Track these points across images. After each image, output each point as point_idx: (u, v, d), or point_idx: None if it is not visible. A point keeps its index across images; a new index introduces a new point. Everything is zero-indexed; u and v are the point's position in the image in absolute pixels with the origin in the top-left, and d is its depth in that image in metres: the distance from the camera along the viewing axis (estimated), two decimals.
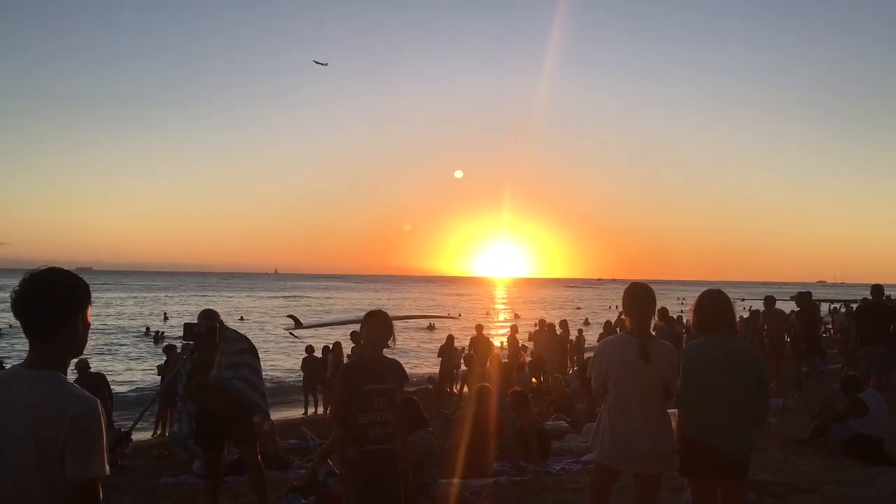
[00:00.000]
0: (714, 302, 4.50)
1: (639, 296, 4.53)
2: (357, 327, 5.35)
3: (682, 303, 60.09)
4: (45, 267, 2.41)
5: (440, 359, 19.81)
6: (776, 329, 15.09)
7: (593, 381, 4.59)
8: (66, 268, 2.46)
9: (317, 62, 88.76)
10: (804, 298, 14.28)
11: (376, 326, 4.90)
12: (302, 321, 28.30)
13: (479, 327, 19.65)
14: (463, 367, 19.30)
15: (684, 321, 21.35)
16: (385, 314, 5.01)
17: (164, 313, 61.62)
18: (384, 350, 4.96)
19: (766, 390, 4.50)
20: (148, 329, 46.09)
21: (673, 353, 4.50)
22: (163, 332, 42.07)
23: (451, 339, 20.39)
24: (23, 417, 2.22)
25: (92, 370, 13.31)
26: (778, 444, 8.95)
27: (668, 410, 4.50)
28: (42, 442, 2.21)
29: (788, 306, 17.39)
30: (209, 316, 6.44)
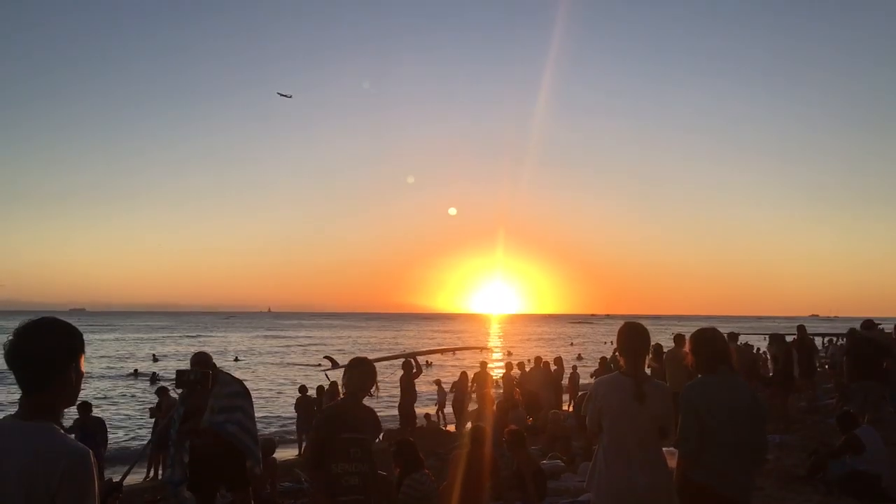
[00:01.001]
0: (711, 341, 4.49)
1: (633, 335, 4.49)
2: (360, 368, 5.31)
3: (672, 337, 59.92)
4: (38, 317, 2.41)
5: (452, 393, 19.81)
6: (742, 364, 15.11)
7: (588, 419, 4.54)
8: (59, 313, 2.47)
9: (281, 94, 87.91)
10: (801, 331, 14.38)
11: (359, 375, 4.89)
12: (339, 362, 28.31)
13: (484, 364, 19.65)
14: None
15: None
16: (369, 362, 5.02)
17: (153, 355, 61.26)
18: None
19: (765, 430, 4.47)
20: (136, 371, 45.70)
21: (668, 393, 4.46)
22: (158, 374, 41.81)
23: (464, 375, 20.36)
24: (13, 470, 2.21)
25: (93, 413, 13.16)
26: (775, 481, 8.90)
27: (666, 450, 4.47)
28: (34, 495, 2.19)
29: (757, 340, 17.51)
30: (202, 360, 6.42)
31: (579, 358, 43.74)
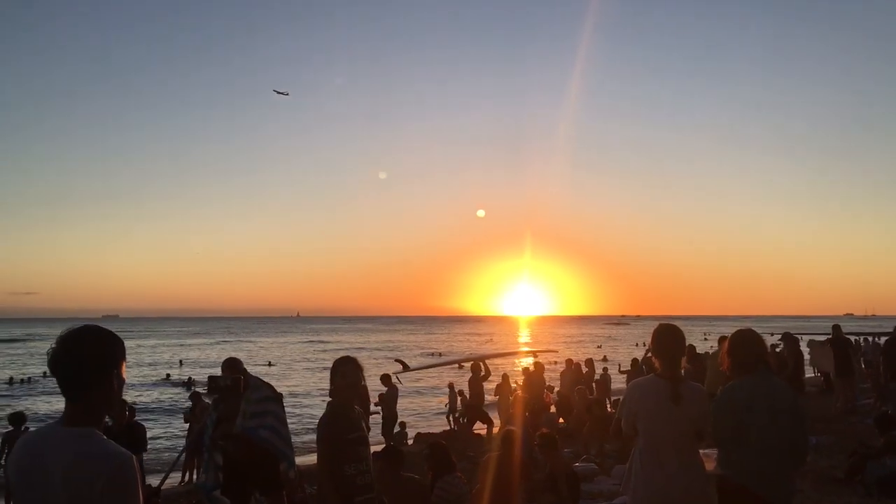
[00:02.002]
0: (747, 342, 4.44)
1: (669, 337, 4.45)
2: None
3: (706, 339, 59.54)
4: (81, 325, 2.46)
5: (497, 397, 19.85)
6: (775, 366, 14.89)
7: (623, 422, 4.50)
8: (93, 320, 2.52)
9: (277, 92, 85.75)
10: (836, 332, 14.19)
11: (349, 373, 4.86)
12: (409, 364, 28.48)
13: (538, 365, 19.90)
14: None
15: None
16: (355, 360, 4.98)
17: (180, 360, 62.21)
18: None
19: (806, 432, 4.41)
20: (168, 376, 46.27)
21: (705, 395, 4.42)
22: (192, 379, 42.35)
23: (506, 378, 20.38)
24: (58, 476, 2.25)
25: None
26: (813, 482, 8.79)
27: (703, 452, 4.43)
28: (78, 500, 2.23)
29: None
30: (233, 366, 6.47)
31: (605, 360, 43.40)
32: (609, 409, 20.80)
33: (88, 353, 2.37)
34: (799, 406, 4.37)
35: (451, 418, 22.14)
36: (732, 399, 4.30)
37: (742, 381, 4.37)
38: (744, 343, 4.44)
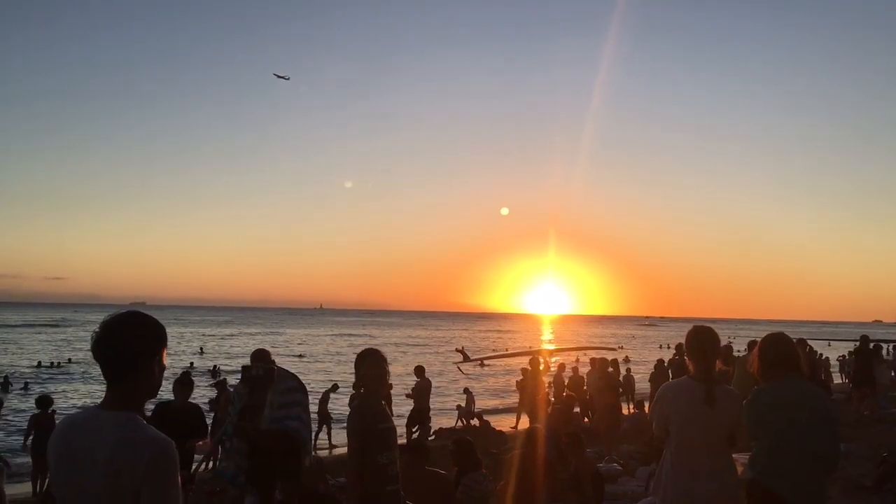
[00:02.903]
0: (778, 346, 4.36)
1: (703, 339, 4.40)
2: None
3: (731, 342, 59.04)
4: (125, 311, 2.49)
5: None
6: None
7: (654, 425, 4.46)
8: (120, 306, 2.53)
9: (277, 76, 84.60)
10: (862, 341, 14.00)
11: (373, 365, 4.88)
12: (469, 355, 28.62)
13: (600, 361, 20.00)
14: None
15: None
16: (379, 352, 5.00)
17: (200, 348, 62.93)
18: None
19: (838, 438, 4.32)
20: (192, 365, 46.81)
21: (738, 398, 4.36)
22: (218, 367, 42.79)
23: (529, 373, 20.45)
24: (100, 460, 2.27)
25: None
26: (841, 490, 8.67)
27: (735, 456, 4.37)
28: (119, 484, 2.25)
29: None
30: (261, 356, 6.50)
31: (626, 360, 43.05)
32: (632, 409, 20.74)
33: (132, 338, 2.39)
34: (832, 412, 4.30)
35: (462, 421, 22.12)
36: (764, 404, 4.23)
37: (773, 386, 4.29)
38: (776, 347, 4.36)
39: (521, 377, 20.50)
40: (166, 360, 2.54)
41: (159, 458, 2.28)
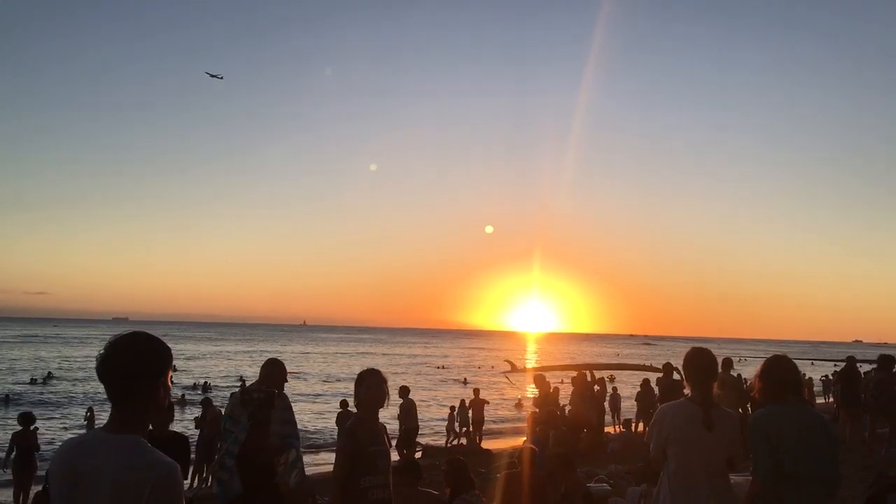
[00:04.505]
0: (781, 368, 4.33)
1: (701, 361, 4.38)
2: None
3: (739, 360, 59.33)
4: (129, 331, 2.47)
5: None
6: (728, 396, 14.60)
7: (652, 446, 4.42)
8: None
9: (210, 74, 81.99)
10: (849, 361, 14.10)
11: (373, 386, 4.85)
12: (517, 365, 28.48)
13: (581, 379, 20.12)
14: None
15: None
16: (379, 373, 4.98)
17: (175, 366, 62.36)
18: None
19: (837, 462, 4.27)
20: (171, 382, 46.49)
21: (736, 421, 4.35)
22: (209, 384, 42.73)
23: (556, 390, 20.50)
24: (105, 484, 2.24)
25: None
26: None
27: (737, 477, 4.35)
28: None
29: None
30: (274, 373, 6.46)
31: (612, 379, 42.89)
32: (619, 429, 20.75)
33: (138, 359, 2.37)
34: (833, 435, 4.28)
35: (457, 432, 22.03)
36: (762, 426, 4.19)
37: (772, 409, 4.25)
38: (778, 369, 4.33)
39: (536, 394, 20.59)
40: (171, 382, 2.51)
41: (165, 480, 2.26)
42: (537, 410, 16.78)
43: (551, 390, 18.85)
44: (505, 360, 29.94)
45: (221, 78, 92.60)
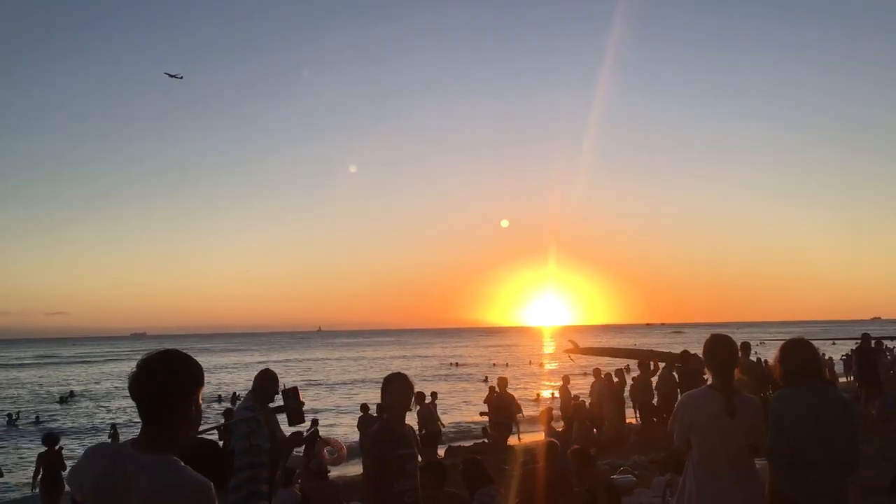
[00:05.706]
0: (800, 352, 4.32)
1: (722, 348, 4.38)
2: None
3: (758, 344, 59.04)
4: (162, 349, 2.49)
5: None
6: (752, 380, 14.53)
7: (676, 436, 4.44)
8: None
9: (168, 74, 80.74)
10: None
11: (399, 389, 4.87)
12: (579, 345, 28.55)
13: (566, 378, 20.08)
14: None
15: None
16: (406, 377, 4.98)
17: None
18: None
19: (857, 443, 4.26)
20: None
21: (758, 407, 4.35)
22: (237, 394, 43.05)
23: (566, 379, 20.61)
24: (135, 501, 2.28)
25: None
26: (857, 493, 8.63)
27: (759, 462, 4.35)
28: None
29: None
30: (271, 379, 6.63)
31: (627, 370, 42.84)
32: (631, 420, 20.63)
33: (171, 377, 2.40)
34: (852, 417, 4.28)
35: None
36: (781, 410, 4.20)
37: (792, 392, 4.26)
38: (796, 351, 4.33)
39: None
40: (202, 399, 2.55)
41: (198, 500, 2.30)
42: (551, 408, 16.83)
43: (575, 400, 18.85)
44: (568, 340, 30.16)
45: (181, 78, 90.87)
